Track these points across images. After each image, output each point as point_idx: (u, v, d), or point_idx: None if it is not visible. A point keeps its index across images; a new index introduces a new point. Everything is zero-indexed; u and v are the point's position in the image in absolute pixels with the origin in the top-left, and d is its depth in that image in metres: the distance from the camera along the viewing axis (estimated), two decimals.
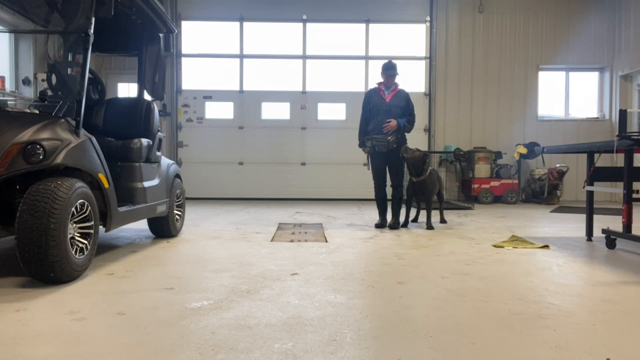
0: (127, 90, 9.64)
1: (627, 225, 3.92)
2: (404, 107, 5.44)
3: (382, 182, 5.49)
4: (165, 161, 4.56)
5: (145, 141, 4.02)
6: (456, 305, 2.45)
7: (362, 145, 5.54)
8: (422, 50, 9.90)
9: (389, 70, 5.48)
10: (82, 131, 3.07)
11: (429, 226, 5.31)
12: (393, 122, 5.30)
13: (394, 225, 5.39)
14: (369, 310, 2.37)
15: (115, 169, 3.72)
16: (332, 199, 9.62)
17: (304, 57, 9.77)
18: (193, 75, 9.78)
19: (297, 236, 4.77)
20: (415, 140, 8.85)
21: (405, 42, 9.88)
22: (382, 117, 5.36)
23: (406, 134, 5.51)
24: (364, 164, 5.66)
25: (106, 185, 3.23)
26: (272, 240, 4.48)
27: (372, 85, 5.70)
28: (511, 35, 9.91)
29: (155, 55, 4.56)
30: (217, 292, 2.67)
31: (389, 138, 5.32)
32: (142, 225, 5.29)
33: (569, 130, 9.97)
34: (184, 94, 9.66)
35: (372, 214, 6.85)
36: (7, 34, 7.35)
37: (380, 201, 5.58)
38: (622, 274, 3.22)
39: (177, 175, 4.81)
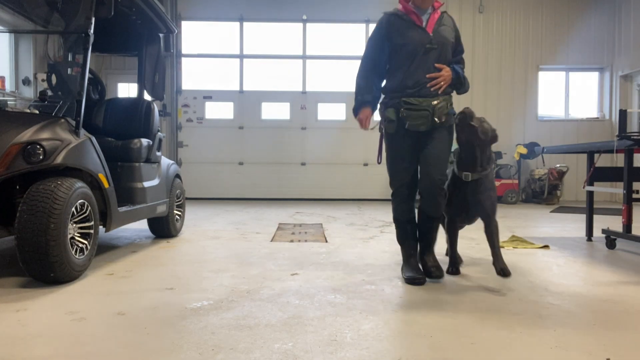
0: (127, 90, 9.64)
1: (627, 225, 3.92)
2: (455, 45, 2.97)
3: (410, 188, 2.97)
4: (165, 161, 4.56)
5: (145, 141, 4.02)
6: (456, 306, 2.45)
7: (362, 105, 2.97)
8: None
9: None
10: (82, 131, 3.07)
11: (502, 270, 2.75)
12: (446, 71, 2.83)
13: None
14: (369, 310, 2.37)
15: (115, 169, 3.72)
16: (332, 199, 9.62)
17: (304, 57, 9.76)
18: (193, 75, 9.77)
19: (297, 236, 4.77)
20: None
21: None
22: (422, 63, 2.81)
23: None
24: (378, 160, 3.05)
25: (106, 185, 3.23)
26: (272, 241, 4.48)
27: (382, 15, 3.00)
28: (511, 35, 9.90)
29: (155, 55, 4.56)
30: (217, 292, 2.67)
31: (435, 103, 2.80)
32: (142, 225, 5.29)
33: (569, 131, 9.96)
34: (184, 94, 9.65)
35: (372, 214, 6.85)
36: (7, 34, 7.35)
37: (409, 225, 3.02)
38: (622, 274, 3.22)
39: (177, 176, 4.81)
